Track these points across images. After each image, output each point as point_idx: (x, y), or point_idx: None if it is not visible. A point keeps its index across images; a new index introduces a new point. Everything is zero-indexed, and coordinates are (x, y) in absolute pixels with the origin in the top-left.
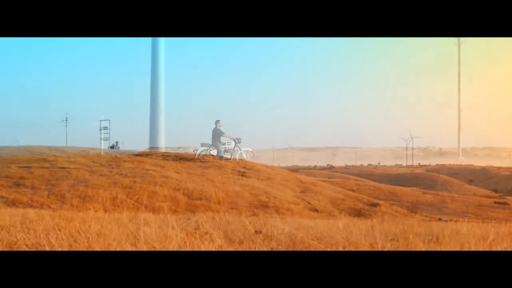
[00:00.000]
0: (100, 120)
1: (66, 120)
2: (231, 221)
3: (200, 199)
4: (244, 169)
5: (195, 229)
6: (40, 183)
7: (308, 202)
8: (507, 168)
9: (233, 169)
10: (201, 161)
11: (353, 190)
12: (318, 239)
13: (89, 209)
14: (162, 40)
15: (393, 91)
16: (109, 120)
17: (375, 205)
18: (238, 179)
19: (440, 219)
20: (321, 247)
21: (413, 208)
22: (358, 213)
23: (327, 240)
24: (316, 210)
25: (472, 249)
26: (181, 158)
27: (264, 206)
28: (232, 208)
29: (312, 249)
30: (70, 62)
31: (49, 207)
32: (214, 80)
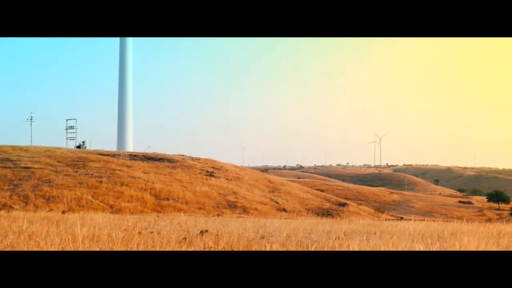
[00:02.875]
0: (67, 119)
1: (31, 119)
2: (183, 221)
3: (168, 199)
4: (212, 169)
5: (139, 228)
6: (2, 183)
7: (276, 202)
8: (472, 168)
9: (202, 169)
10: (169, 161)
11: (321, 190)
12: (263, 237)
13: (51, 209)
14: (130, 40)
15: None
16: (76, 119)
17: (343, 204)
18: (206, 179)
19: (401, 218)
20: (256, 247)
21: (380, 207)
22: (326, 213)
23: (273, 239)
24: (284, 210)
25: (400, 247)
26: (149, 158)
27: (232, 206)
28: (199, 208)
29: (257, 247)
30: (36, 61)
31: (12, 207)
32: (185, 81)
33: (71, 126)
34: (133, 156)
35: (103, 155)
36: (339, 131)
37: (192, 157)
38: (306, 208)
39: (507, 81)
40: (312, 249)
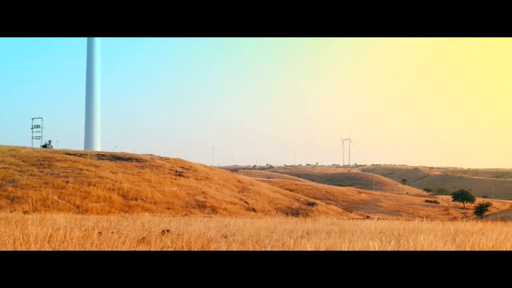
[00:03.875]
0: (32, 118)
1: None
2: (147, 221)
3: (136, 199)
4: (182, 169)
5: (100, 228)
6: None
7: (246, 202)
8: (438, 168)
9: (171, 169)
10: (137, 161)
11: (291, 190)
12: (225, 236)
13: (15, 210)
14: (98, 40)
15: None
16: (42, 118)
17: (312, 204)
18: (175, 179)
19: (368, 217)
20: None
21: (349, 206)
22: (295, 212)
23: (234, 238)
24: (254, 210)
25: (357, 246)
26: (117, 157)
27: (201, 206)
28: (168, 208)
29: (215, 247)
30: (0, 59)
31: None
32: (154, 80)
33: (37, 125)
34: (101, 156)
35: (70, 154)
36: (308, 131)
37: (161, 157)
38: (275, 208)
39: (472, 83)
40: (269, 248)
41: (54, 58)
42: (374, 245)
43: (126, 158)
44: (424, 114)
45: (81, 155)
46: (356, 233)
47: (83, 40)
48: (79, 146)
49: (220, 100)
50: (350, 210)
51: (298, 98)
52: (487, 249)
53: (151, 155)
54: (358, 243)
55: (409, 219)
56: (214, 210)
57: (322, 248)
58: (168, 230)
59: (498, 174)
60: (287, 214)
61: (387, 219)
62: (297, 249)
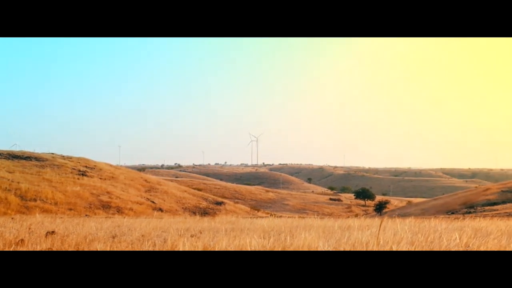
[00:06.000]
0: None
1: None
2: (37, 222)
3: (35, 200)
4: (85, 168)
5: None
6: None
7: (153, 202)
8: (342, 167)
9: (74, 168)
10: (37, 160)
11: (199, 189)
12: (114, 237)
13: None
14: None
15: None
16: None
17: (220, 203)
18: (78, 178)
19: (271, 215)
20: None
21: (256, 205)
22: (203, 212)
23: (124, 238)
24: (161, 210)
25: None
26: (14, 156)
27: (106, 206)
28: (70, 209)
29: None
30: None
31: None
32: (58, 75)
33: None
34: None
35: None
36: (217, 130)
37: (64, 156)
38: (183, 207)
39: (367, 85)
40: (150, 248)
41: None
42: (251, 242)
43: (25, 157)
44: (326, 115)
45: None
46: (244, 231)
47: None
48: None
49: (128, 96)
50: (257, 208)
51: (207, 97)
52: (361, 245)
53: (53, 154)
54: (235, 241)
55: (314, 217)
56: (119, 210)
57: (199, 248)
58: (53, 232)
59: (396, 173)
60: (195, 213)
61: (293, 217)
62: (177, 249)
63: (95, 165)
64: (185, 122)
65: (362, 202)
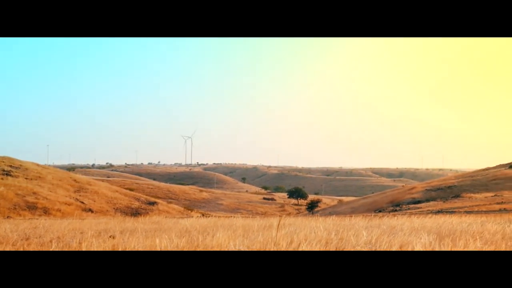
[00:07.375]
0: None
1: None
2: None
3: None
4: (10, 168)
5: None
6: None
7: (82, 202)
8: (275, 167)
9: None
10: None
11: (131, 189)
12: (27, 238)
13: None
14: None
15: None
16: None
17: (153, 203)
18: (2, 178)
19: (203, 215)
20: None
21: (190, 205)
22: (135, 212)
23: (38, 240)
24: (91, 210)
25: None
26: None
27: (32, 207)
28: None
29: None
30: None
31: None
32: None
33: None
34: None
35: None
36: (150, 129)
37: None
38: (114, 208)
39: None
40: (57, 249)
41: None
42: (161, 242)
43: None
44: (260, 115)
45: None
46: (166, 231)
47: None
48: None
49: (58, 92)
50: (191, 208)
51: (140, 94)
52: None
53: None
54: (146, 241)
55: (246, 216)
56: (46, 211)
57: (108, 247)
58: None
59: (328, 173)
60: (126, 214)
61: (227, 216)
62: (91, 249)
63: (20, 165)
64: (117, 120)
65: (295, 201)
